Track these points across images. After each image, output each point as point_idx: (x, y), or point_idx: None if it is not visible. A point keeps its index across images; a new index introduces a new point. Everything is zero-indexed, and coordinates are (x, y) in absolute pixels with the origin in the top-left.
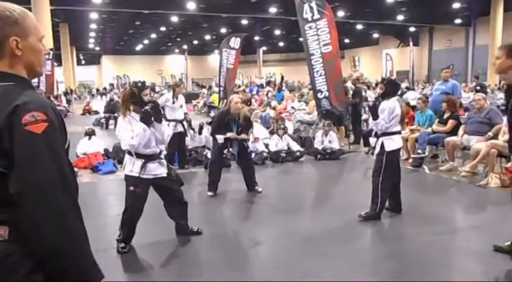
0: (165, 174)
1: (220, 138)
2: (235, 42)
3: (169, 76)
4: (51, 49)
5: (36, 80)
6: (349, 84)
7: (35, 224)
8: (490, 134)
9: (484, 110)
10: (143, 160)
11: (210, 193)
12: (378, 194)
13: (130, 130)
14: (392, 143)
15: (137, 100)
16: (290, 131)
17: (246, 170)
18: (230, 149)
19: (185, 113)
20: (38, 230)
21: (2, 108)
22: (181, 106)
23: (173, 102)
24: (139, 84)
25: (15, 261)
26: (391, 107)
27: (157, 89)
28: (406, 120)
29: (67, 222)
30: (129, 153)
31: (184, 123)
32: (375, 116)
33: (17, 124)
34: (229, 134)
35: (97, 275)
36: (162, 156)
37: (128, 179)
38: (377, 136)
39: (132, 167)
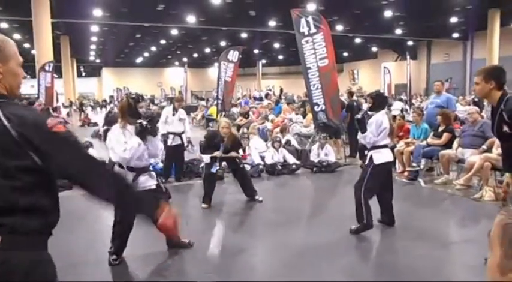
0: (154, 186)
1: (206, 158)
2: (234, 55)
3: (169, 88)
4: (50, 61)
5: (35, 91)
6: (344, 97)
7: (99, 179)
8: (484, 147)
9: (477, 123)
10: (135, 173)
11: (204, 205)
12: (361, 207)
13: (123, 142)
14: (380, 156)
15: (133, 112)
16: (294, 142)
17: (243, 181)
18: (217, 167)
19: (188, 138)
20: (103, 181)
21: (23, 120)
22: (180, 119)
23: (173, 115)
24: (135, 96)
25: (10, 268)
26: (378, 120)
27: (156, 101)
28: (400, 133)
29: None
30: (120, 166)
31: (183, 136)
32: (363, 129)
33: (45, 130)
34: (216, 153)
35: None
36: (151, 168)
37: None
38: (367, 149)
39: None
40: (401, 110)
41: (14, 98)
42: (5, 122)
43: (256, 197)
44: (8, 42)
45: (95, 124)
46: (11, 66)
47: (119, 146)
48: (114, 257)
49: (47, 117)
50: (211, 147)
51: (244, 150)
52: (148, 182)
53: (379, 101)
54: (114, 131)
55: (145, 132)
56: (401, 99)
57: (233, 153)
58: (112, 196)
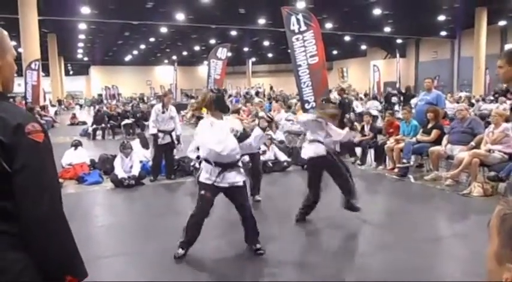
0: (241, 183)
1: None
2: (222, 52)
3: (158, 87)
4: (36, 60)
5: (23, 90)
6: (333, 95)
7: (38, 221)
8: (473, 143)
9: (466, 120)
10: (221, 168)
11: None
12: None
13: (217, 135)
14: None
15: (222, 106)
16: (284, 139)
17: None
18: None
19: (178, 136)
20: (43, 226)
21: (2, 122)
22: (171, 117)
23: (163, 112)
24: (219, 89)
25: (2, 268)
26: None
27: (145, 99)
28: (390, 130)
29: (65, 222)
30: (207, 160)
31: (173, 134)
32: None
33: (22, 133)
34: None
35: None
36: (240, 164)
37: (202, 185)
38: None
39: (208, 175)
40: (381, 110)
41: (6, 94)
42: None
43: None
44: (4, 35)
45: (84, 123)
46: (9, 59)
47: (213, 137)
48: (181, 250)
49: (31, 121)
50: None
51: None
52: (236, 177)
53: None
54: (204, 125)
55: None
56: (376, 98)
57: None
58: (39, 252)
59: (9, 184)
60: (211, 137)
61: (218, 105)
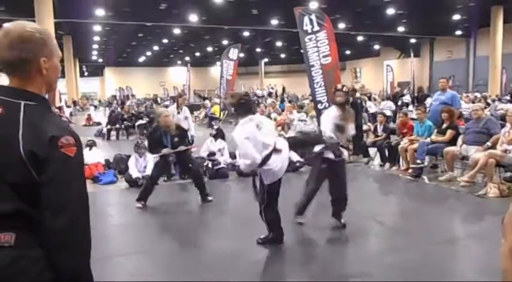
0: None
1: (155, 156)
2: (233, 53)
3: (171, 88)
4: None
5: None
6: None
7: (55, 233)
8: (489, 143)
9: (482, 120)
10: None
11: (138, 204)
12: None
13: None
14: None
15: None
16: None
17: (195, 180)
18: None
19: (192, 136)
20: (72, 242)
21: (38, 134)
22: (185, 118)
23: (178, 113)
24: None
25: (23, 266)
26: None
27: (159, 100)
28: (404, 130)
29: (84, 239)
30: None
31: (188, 134)
32: None
33: (55, 146)
34: (164, 150)
35: None
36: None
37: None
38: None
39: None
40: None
41: (45, 99)
42: (20, 133)
43: (209, 198)
44: (51, 35)
45: (98, 123)
46: (55, 61)
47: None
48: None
49: (65, 133)
50: (157, 143)
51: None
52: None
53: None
54: (247, 131)
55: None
56: (389, 98)
57: (182, 147)
58: (64, 267)
59: (37, 193)
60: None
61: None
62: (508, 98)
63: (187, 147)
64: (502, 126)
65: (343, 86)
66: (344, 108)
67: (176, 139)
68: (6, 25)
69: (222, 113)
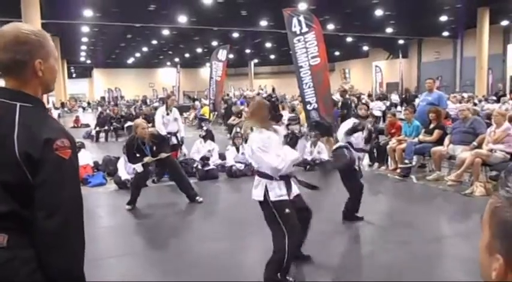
0: (298, 191)
1: (138, 166)
2: (222, 54)
3: (160, 89)
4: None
5: None
6: (336, 96)
7: (46, 235)
8: (475, 143)
9: (468, 120)
10: (284, 181)
11: (128, 207)
12: None
13: (275, 152)
14: None
15: (275, 115)
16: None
17: (180, 182)
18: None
19: (182, 138)
20: (64, 243)
21: (33, 135)
22: (175, 119)
23: (167, 114)
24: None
25: (16, 267)
26: None
27: (148, 102)
28: (392, 130)
29: (76, 242)
30: (268, 177)
31: (178, 135)
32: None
33: (50, 148)
34: (146, 159)
35: None
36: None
37: (279, 204)
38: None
39: (279, 191)
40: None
41: (41, 101)
42: (15, 134)
43: (197, 198)
44: (47, 37)
45: (87, 125)
46: (51, 62)
47: (273, 157)
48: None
49: (60, 136)
50: (137, 153)
51: (238, 150)
52: (295, 188)
53: None
54: (259, 139)
55: (297, 140)
56: (379, 98)
57: (162, 155)
58: (54, 268)
59: (31, 195)
60: (272, 153)
61: (272, 115)
62: (494, 98)
63: (168, 154)
64: (488, 125)
65: (365, 102)
66: (364, 121)
67: (154, 148)
68: (1, 27)
69: (211, 115)
